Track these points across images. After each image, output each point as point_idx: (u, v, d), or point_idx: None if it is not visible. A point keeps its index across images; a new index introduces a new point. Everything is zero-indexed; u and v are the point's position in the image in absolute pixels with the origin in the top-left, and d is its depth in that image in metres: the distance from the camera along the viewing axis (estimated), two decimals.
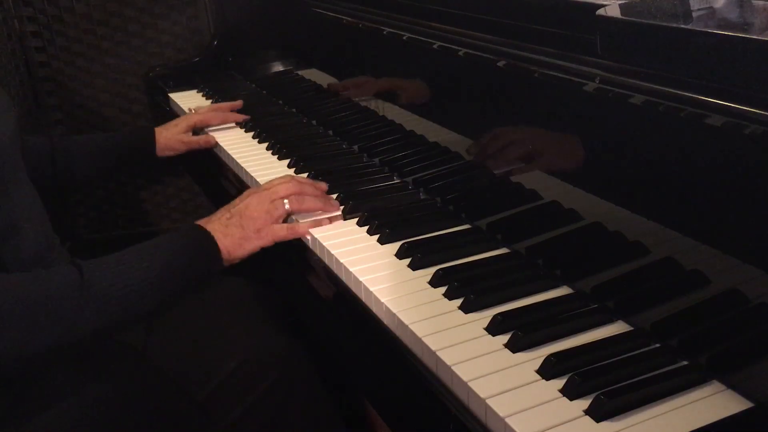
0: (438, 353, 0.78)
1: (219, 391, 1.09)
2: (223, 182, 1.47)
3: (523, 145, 0.99)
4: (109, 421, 0.99)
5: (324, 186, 1.19)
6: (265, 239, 1.07)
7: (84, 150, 1.49)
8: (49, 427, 0.94)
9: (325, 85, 1.59)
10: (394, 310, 0.87)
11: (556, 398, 0.71)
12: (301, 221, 1.10)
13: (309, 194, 1.12)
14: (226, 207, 1.10)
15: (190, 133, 1.58)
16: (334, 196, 1.19)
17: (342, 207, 1.14)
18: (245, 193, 1.12)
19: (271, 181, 1.15)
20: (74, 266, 0.93)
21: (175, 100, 1.88)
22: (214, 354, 1.13)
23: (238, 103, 1.68)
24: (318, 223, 1.10)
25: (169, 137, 1.55)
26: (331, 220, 1.11)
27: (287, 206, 1.09)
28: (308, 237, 1.08)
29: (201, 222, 1.06)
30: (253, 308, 1.28)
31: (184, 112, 1.80)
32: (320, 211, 1.13)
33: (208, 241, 1.03)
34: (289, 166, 1.35)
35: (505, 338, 0.80)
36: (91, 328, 0.90)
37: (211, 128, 1.60)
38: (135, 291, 0.94)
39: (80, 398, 0.98)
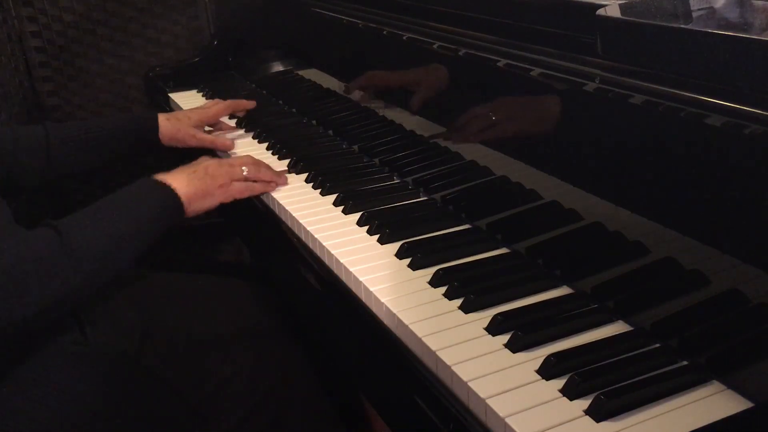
0: (438, 353, 0.78)
1: (216, 395, 1.09)
2: None
3: (524, 145, 0.99)
4: (103, 426, 0.98)
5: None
6: (224, 195, 1.17)
7: (81, 140, 1.41)
8: (38, 431, 0.94)
9: (325, 85, 1.59)
10: (394, 310, 0.87)
11: (556, 398, 0.71)
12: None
13: (264, 166, 1.24)
14: (186, 165, 1.18)
15: (203, 129, 1.54)
16: (334, 196, 1.19)
17: (342, 207, 1.14)
18: (200, 159, 1.22)
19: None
20: (50, 227, 0.95)
21: (175, 101, 1.88)
22: (211, 358, 1.12)
23: (252, 103, 1.65)
24: (268, 186, 1.23)
25: (180, 128, 1.48)
26: (281, 179, 1.24)
27: (245, 171, 1.20)
28: (311, 236, 1.08)
29: (161, 175, 1.12)
30: (251, 310, 1.27)
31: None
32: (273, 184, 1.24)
33: (170, 193, 1.10)
34: (289, 166, 1.35)
35: (505, 338, 0.80)
36: (76, 283, 0.93)
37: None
38: (111, 244, 0.99)
39: (74, 404, 0.97)
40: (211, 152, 1.54)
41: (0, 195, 1.10)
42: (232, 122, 1.64)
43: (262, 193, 1.24)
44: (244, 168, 1.21)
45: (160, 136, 1.46)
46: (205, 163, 1.19)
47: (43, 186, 1.38)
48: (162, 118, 1.47)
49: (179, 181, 1.12)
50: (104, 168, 1.48)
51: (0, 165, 1.28)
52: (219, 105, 1.58)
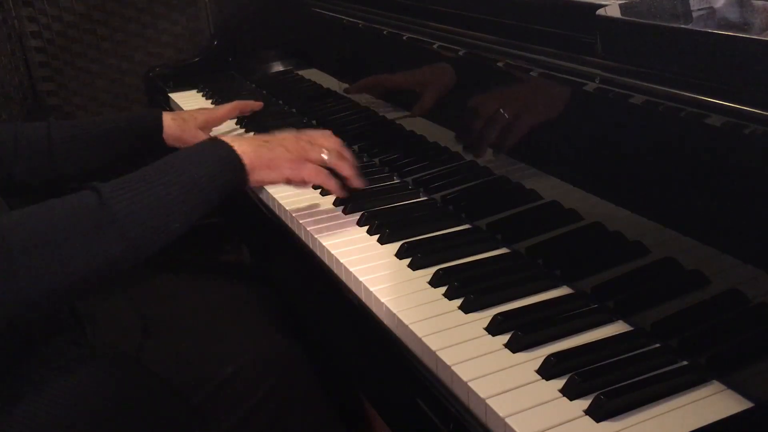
0: (438, 353, 0.78)
1: (216, 395, 1.08)
2: None
3: (524, 145, 0.99)
4: (103, 426, 0.98)
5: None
6: (294, 172, 1.04)
7: (82, 138, 1.36)
8: (38, 431, 0.93)
9: (325, 85, 1.59)
10: (394, 310, 0.87)
11: (556, 398, 0.71)
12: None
13: (347, 158, 1.10)
14: (264, 134, 1.09)
15: (209, 131, 1.49)
16: (334, 196, 1.18)
17: (342, 207, 1.14)
18: (281, 133, 1.11)
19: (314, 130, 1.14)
20: (92, 190, 0.89)
21: (175, 101, 1.88)
22: (212, 357, 1.12)
23: (259, 104, 1.61)
24: (342, 190, 1.10)
25: (185, 129, 1.42)
26: (358, 182, 1.11)
27: (325, 156, 1.06)
28: (311, 236, 1.08)
29: (229, 137, 1.03)
30: (251, 310, 1.27)
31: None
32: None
33: (232, 155, 1.00)
34: None
35: (505, 338, 0.80)
36: (117, 251, 0.87)
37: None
38: (157, 209, 0.91)
39: (74, 404, 0.96)
40: None
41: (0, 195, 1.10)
42: (233, 122, 1.64)
43: (334, 191, 1.11)
44: (325, 151, 1.07)
45: (165, 136, 1.41)
46: (283, 135, 1.09)
47: (44, 186, 1.36)
48: (167, 118, 1.42)
49: (245, 145, 1.02)
50: (107, 168, 1.44)
51: (0, 163, 1.27)
52: (226, 106, 1.54)
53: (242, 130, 1.59)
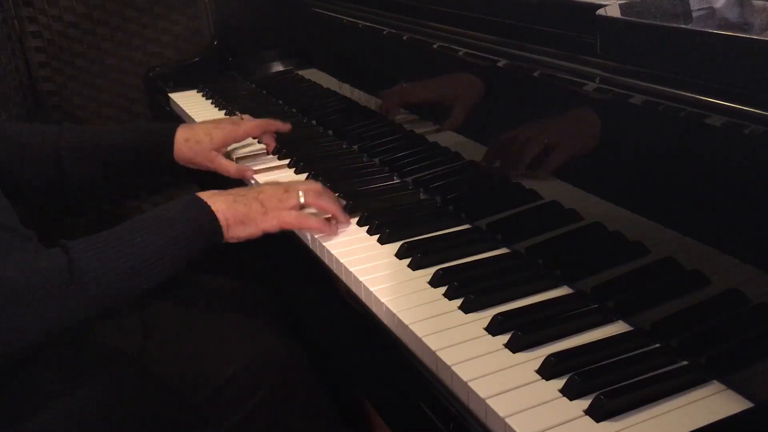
0: (438, 353, 0.78)
1: (218, 395, 1.08)
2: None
3: (524, 145, 0.99)
4: (103, 427, 0.98)
5: (343, 202, 1.14)
6: (270, 222, 1.03)
7: (90, 151, 1.31)
8: None
9: (324, 85, 1.59)
10: (394, 310, 0.87)
11: (556, 398, 0.71)
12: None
13: (327, 195, 1.09)
14: (240, 188, 1.07)
15: (223, 152, 1.36)
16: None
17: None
18: (262, 183, 1.09)
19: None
20: (62, 249, 0.89)
21: (175, 100, 1.88)
22: (213, 358, 1.12)
23: (287, 126, 1.43)
24: (327, 225, 1.06)
25: (198, 152, 1.32)
26: (338, 226, 1.08)
27: (302, 198, 1.05)
28: (311, 235, 1.08)
29: (206, 194, 1.01)
30: (252, 310, 1.27)
31: (184, 112, 1.79)
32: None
33: (208, 215, 0.98)
34: (289, 166, 1.35)
35: (505, 338, 0.80)
36: (82, 313, 0.88)
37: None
38: (127, 272, 0.90)
39: (75, 404, 0.96)
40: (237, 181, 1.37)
41: (4, 195, 1.10)
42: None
43: (316, 231, 1.06)
44: (301, 193, 1.05)
45: (176, 157, 1.33)
46: (262, 186, 1.07)
47: (51, 193, 1.33)
48: (180, 138, 1.32)
49: (221, 201, 1.00)
50: (115, 182, 1.39)
51: (8, 166, 1.26)
52: (249, 124, 1.38)
53: (261, 146, 1.46)
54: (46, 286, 0.86)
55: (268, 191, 1.05)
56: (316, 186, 1.09)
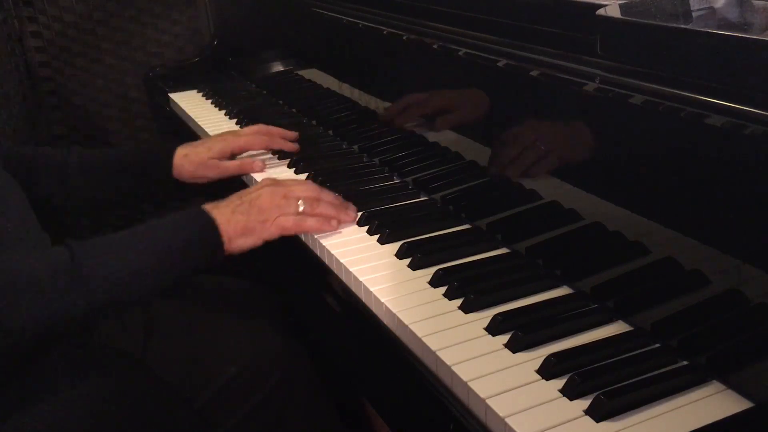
0: (438, 353, 0.78)
1: (219, 395, 1.09)
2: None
3: (524, 145, 0.99)
4: (106, 426, 0.98)
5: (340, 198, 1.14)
6: (269, 231, 1.03)
7: (96, 168, 1.31)
8: None
9: (325, 85, 1.59)
10: (394, 310, 0.87)
11: (556, 398, 0.71)
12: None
13: (326, 200, 1.09)
14: (239, 193, 1.07)
15: (225, 158, 1.34)
16: None
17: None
18: (261, 182, 1.09)
19: (290, 179, 1.12)
20: (66, 247, 0.90)
21: (175, 101, 1.88)
22: (214, 358, 1.12)
23: (294, 134, 1.40)
24: (326, 223, 1.07)
25: (200, 164, 1.30)
26: (345, 214, 1.08)
27: (301, 207, 1.05)
28: (311, 236, 1.08)
29: (208, 206, 1.02)
30: (253, 310, 1.27)
31: (184, 112, 1.79)
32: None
33: (210, 227, 0.99)
34: (289, 166, 1.35)
35: (505, 338, 0.80)
36: (80, 311, 0.88)
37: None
38: (128, 276, 0.91)
39: (77, 403, 0.97)
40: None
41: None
42: (233, 122, 1.63)
43: (317, 231, 1.07)
44: (300, 201, 1.05)
45: (177, 175, 1.31)
46: (259, 191, 1.06)
47: (59, 210, 1.34)
48: (179, 155, 1.31)
49: (221, 215, 1.00)
50: (118, 202, 1.38)
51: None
52: (249, 130, 1.38)
53: (260, 151, 1.41)
54: (46, 280, 0.86)
55: (266, 197, 1.05)
56: (314, 191, 1.08)
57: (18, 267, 0.87)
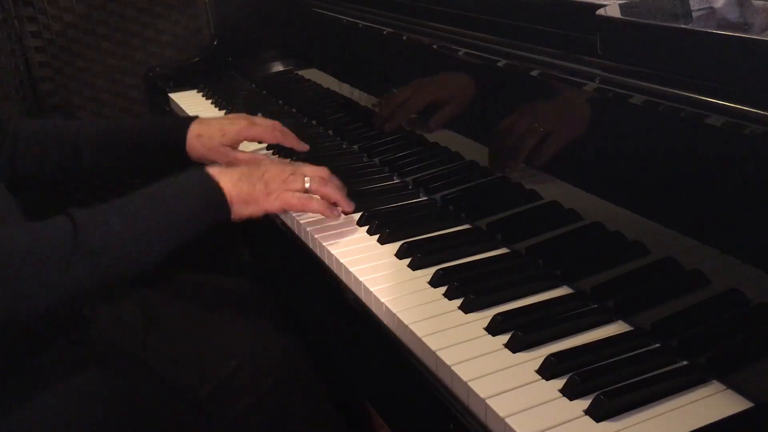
0: (438, 353, 0.78)
1: (219, 392, 1.09)
2: None
3: (524, 145, 0.99)
4: (105, 422, 0.98)
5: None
6: (273, 204, 1.03)
7: (109, 142, 1.31)
8: (43, 429, 0.94)
9: (325, 85, 1.59)
10: (394, 310, 0.87)
11: (556, 398, 0.71)
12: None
13: (333, 183, 1.09)
14: (246, 166, 1.07)
15: (237, 147, 1.35)
16: None
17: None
18: (269, 160, 1.09)
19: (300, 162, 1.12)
20: (67, 216, 0.88)
21: (175, 100, 1.88)
22: (214, 355, 1.12)
23: (306, 146, 1.39)
24: (329, 209, 1.07)
25: (212, 147, 1.31)
26: (345, 213, 1.09)
27: (308, 184, 1.05)
28: (311, 235, 1.08)
29: (213, 170, 1.01)
30: (253, 309, 1.27)
31: (184, 112, 1.79)
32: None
33: (215, 190, 0.99)
34: None
35: (505, 338, 0.80)
36: (86, 281, 0.86)
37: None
38: (132, 241, 0.90)
39: (76, 399, 0.97)
40: None
41: (8, 190, 1.10)
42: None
43: (319, 212, 1.08)
44: (307, 178, 1.06)
45: (189, 152, 1.32)
46: (267, 165, 1.07)
47: (68, 183, 1.35)
48: (192, 134, 1.31)
49: (226, 179, 1.00)
50: (129, 173, 1.40)
51: (31, 159, 1.26)
52: (265, 125, 1.36)
53: (268, 152, 1.43)
54: (51, 250, 0.85)
55: (274, 171, 1.05)
56: (323, 171, 1.09)
57: (19, 246, 0.84)
